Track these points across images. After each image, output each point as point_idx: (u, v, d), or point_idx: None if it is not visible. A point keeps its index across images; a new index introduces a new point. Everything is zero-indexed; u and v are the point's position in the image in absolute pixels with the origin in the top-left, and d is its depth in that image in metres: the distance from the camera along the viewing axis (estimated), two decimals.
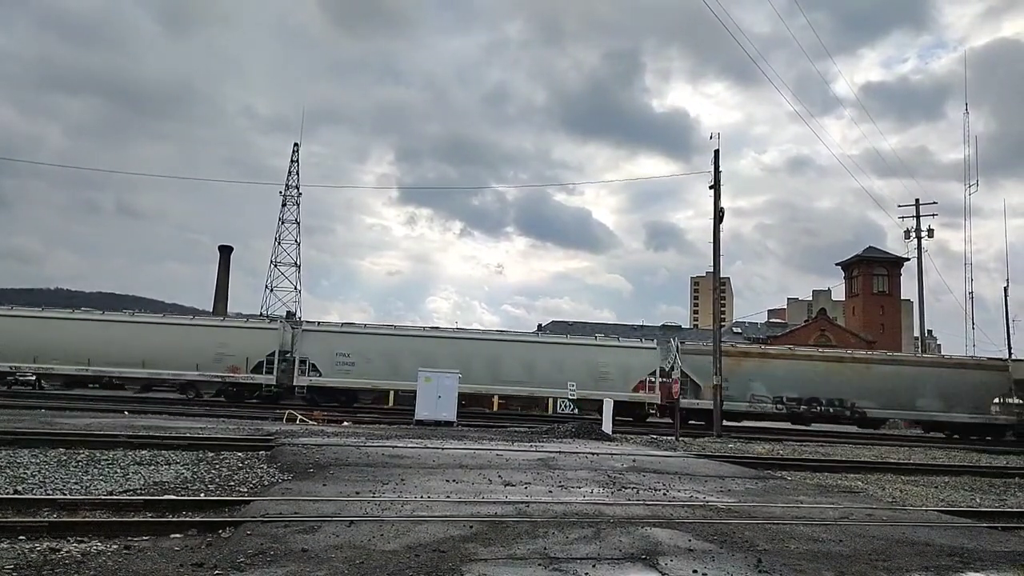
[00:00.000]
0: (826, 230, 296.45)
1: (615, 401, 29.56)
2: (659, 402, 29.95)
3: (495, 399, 32.69)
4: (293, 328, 31.87)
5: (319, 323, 32.12)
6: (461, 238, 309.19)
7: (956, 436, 30.34)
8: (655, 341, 32.19)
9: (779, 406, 29.72)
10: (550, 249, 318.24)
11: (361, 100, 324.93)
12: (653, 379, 29.78)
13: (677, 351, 29.61)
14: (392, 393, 30.56)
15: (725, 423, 27.72)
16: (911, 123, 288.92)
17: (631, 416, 29.51)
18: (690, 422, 28.68)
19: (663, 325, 67.81)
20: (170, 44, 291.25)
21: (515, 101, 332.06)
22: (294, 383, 29.44)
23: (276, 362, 29.96)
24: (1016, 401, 30.51)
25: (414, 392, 30.33)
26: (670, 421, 29.94)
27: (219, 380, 29.92)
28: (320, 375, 29.37)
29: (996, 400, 30.57)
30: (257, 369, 29.80)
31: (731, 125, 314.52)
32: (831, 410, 29.92)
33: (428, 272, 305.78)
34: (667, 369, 29.78)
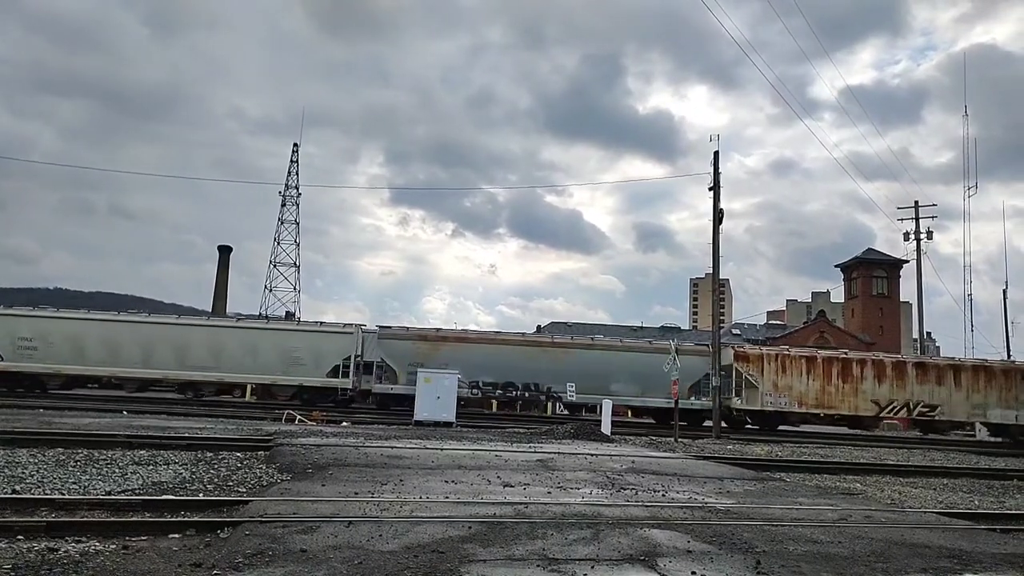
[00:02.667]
0: (813, 232, 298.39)
1: (306, 386, 29.67)
2: (351, 387, 29.92)
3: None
4: None
5: (2, 307, 31.74)
6: (454, 239, 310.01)
7: (653, 421, 30.53)
8: (353, 326, 31.87)
9: (475, 391, 29.83)
10: (543, 250, 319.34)
11: (349, 103, 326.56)
12: (348, 364, 29.78)
13: (675, 352, 29.57)
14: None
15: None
16: (891, 127, 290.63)
17: (327, 400, 29.63)
18: (392, 408, 28.87)
19: (662, 326, 67.84)
20: (158, 47, 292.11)
21: (500, 104, 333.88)
22: None
23: None
24: (715, 386, 30.34)
25: (101, 378, 30.41)
26: (368, 406, 30.22)
27: None
28: (1, 359, 29.26)
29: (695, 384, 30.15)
30: None
31: (715, 128, 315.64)
32: (527, 395, 30.06)
33: (423, 273, 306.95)
34: (359, 355, 30.16)
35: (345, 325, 31.50)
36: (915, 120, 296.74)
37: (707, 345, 32.31)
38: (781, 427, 30.28)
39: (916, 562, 6.36)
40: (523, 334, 33.22)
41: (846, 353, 31.87)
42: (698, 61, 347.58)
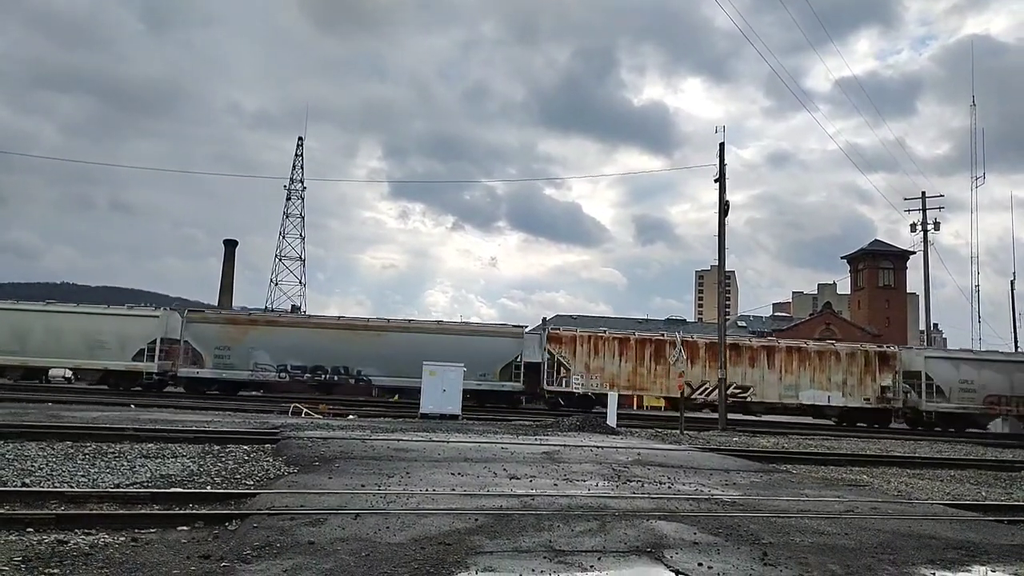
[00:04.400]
0: (813, 224, 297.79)
1: (111, 370, 29.52)
2: (156, 371, 29.88)
3: None
4: None
5: None
6: (454, 231, 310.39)
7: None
8: (162, 309, 31.52)
9: (283, 374, 29.86)
10: (543, 244, 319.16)
11: (345, 97, 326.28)
12: (154, 347, 29.70)
13: (680, 345, 29.46)
14: None
15: (245, 392, 28.39)
16: (886, 119, 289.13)
17: (135, 385, 29.66)
18: (204, 391, 29.06)
19: (667, 319, 67.72)
20: (155, 43, 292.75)
21: (495, 98, 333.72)
22: None
23: None
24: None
25: None
26: (174, 389, 30.02)
27: None
28: None
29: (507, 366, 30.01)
30: None
31: (710, 120, 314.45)
32: (336, 378, 30.03)
33: (425, 266, 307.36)
34: (170, 338, 30.11)
35: (154, 308, 31.24)
36: (909, 112, 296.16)
37: (520, 327, 32.08)
38: (596, 408, 30.01)
39: (923, 553, 6.35)
40: (338, 317, 32.65)
41: (662, 335, 31.92)
42: (691, 54, 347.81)
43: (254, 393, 31.15)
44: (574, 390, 29.37)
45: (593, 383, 29.43)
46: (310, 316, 32.53)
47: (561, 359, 29.49)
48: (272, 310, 63.96)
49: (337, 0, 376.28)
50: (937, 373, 30.08)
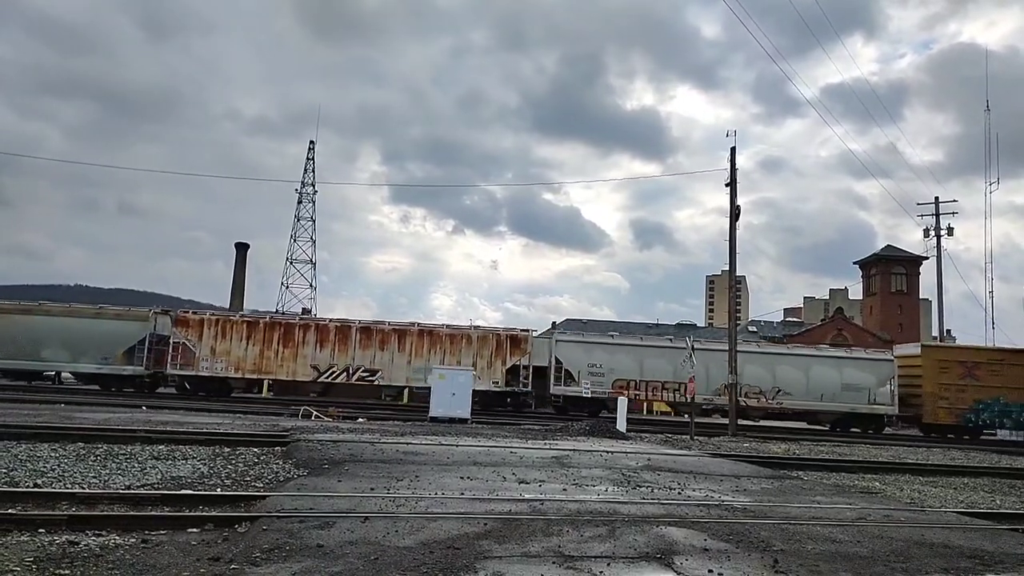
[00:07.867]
0: (811, 229, 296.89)
1: None
2: None
3: None
4: None
5: None
6: (455, 235, 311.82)
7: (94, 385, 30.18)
8: None
9: None
10: (544, 248, 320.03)
11: (343, 103, 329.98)
12: None
13: (692, 350, 29.42)
14: None
15: None
16: (876, 126, 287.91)
17: None
18: None
19: (678, 323, 67.53)
20: (155, 50, 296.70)
21: (489, 104, 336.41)
22: None
23: None
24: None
25: None
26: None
27: None
28: None
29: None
30: None
31: (703, 126, 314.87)
32: None
33: (430, 269, 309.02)
34: None
35: None
36: (899, 119, 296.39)
37: (148, 309, 31.70)
38: (233, 395, 30.31)
39: (936, 562, 6.28)
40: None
41: (293, 319, 31.81)
42: (679, 61, 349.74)
43: None
44: (200, 372, 29.61)
45: (219, 366, 29.58)
46: None
47: (187, 342, 29.62)
48: (283, 312, 64.21)
49: (331, 8, 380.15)
50: (567, 357, 29.76)
